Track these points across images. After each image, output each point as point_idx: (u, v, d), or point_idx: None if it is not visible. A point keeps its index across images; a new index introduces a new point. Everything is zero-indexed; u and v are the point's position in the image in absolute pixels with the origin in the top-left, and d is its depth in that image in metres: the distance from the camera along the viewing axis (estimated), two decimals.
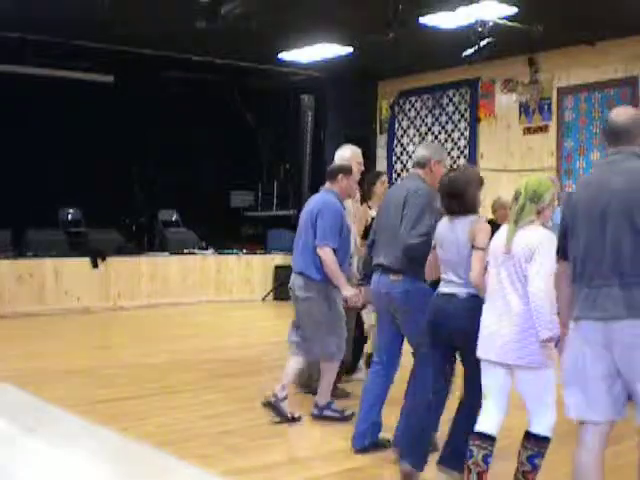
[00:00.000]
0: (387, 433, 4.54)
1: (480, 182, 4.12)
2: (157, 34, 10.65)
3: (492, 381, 3.65)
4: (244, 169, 14.68)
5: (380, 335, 4.73)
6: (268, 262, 12.97)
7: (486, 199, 12.49)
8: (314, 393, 5.46)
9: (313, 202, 5.32)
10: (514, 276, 3.53)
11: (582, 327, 3.16)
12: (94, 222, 12.37)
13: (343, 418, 5.17)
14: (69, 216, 12.94)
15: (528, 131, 12.04)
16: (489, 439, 3.61)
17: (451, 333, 3.90)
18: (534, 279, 3.43)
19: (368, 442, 4.54)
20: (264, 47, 11.25)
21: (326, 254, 5.04)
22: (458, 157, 13.07)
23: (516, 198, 3.64)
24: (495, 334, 3.56)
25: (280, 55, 11.82)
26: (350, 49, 11.27)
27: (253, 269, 12.86)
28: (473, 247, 3.83)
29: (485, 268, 3.78)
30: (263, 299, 12.74)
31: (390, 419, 4.52)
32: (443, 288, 3.99)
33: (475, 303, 3.81)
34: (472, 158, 12.77)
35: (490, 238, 3.81)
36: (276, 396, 5.17)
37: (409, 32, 8.90)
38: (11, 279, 10.42)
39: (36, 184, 11.85)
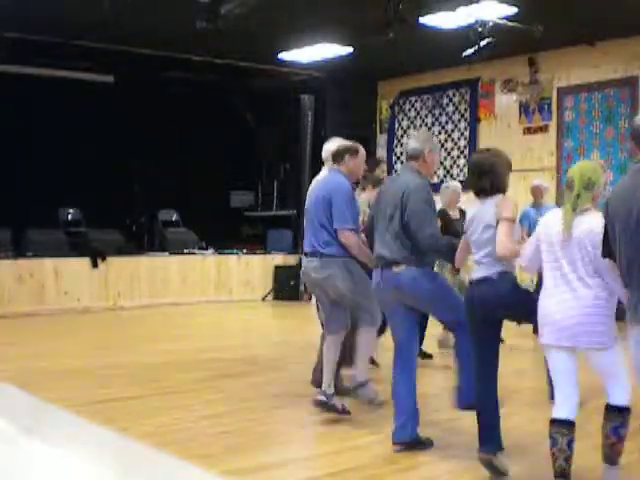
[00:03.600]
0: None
1: (509, 166, 4.24)
2: (157, 34, 10.65)
3: (561, 366, 3.71)
4: (244, 169, 14.68)
5: (395, 332, 4.71)
6: (268, 262, 12.97)
7: None
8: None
9: (323, 183, 5.32)
10: (578, 261, 3.58)
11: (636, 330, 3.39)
12: (94, 222, 12.37)
13: (372, 402, 5.13)
14: (69, 216, 12.94)
15: (528, 131, 12.05)
16: (569, 424, 3.66)
17: (493, 315, 4.01)
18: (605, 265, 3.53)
19: (409, 437, 4.47)
20: (264, 47, 11.25)
21: (348, 238, 5.03)
22: (458, 157, 13.07)
23: (569, 186, 3.70)
24: (562, 320, 3.61)
25: (280, 55, 11.82)
26: (350, 49, 11.27)
27: (253, 269, 12.86)
28: (499, 220, 3.92)
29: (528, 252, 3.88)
30: (263, 299, 12.75)
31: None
32: (475, 273, 4.10)
33: (507, 279, 3.96)
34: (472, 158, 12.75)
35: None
36: (325, 394, 5.11)
37: (409, 32, 8.90)
38: (11, 279, 10.43)
39: (36, 184, 11.85)
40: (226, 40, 10.28)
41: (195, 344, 8.42)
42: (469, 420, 4.26)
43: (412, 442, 4.47)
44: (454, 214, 7.66)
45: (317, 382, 5.64)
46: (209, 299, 12.17)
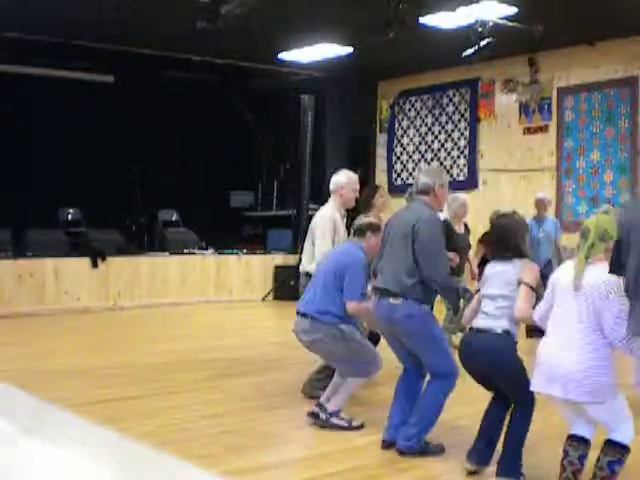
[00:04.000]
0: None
1: (526, 227, 4.31)
2: (157, 34, 10.66)
3: (566, 412, 3.74)
4: (244, 169, 14.68)
5: (396, 352, 4.73)
6: (268, 262, 12.97)
7: (486, 199, 12.52)
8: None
9: (342, 253, 5.19)
10: (584, 311, 3.56)
11: None
12: (94, 222, 12.37)
13: (351, 428, 5.00)
14: (69, 216, 12.94)
15: (528, 131, 12.05)
16: (584, 442, 3.68)
17: (486, 368, 4.02)
18: (619, 328, 3.48)
19: (416, 444, 4.45)
20: (264, 47, 11.25)
21: (353, 307, 4.96)
22: (458, 157, 13.07)
23: (584, 235, 3.71)
24: (554, 370, 3.59)
25: (280, 55, 11.82)
26: (350, 49, 11.27)
27: (253, 269, 12.85)
28: (520, 283, 3.95)
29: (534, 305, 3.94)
30: (263, 299, 12.74)
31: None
32: (478, 322, 4.10)
33: (509, 338, 3.98)
34: (472, 158, 12.77)
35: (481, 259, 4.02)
36: (325, 411, 5.05)
37: (409, 32, 8.90)
38: (11, 279, 10.42)
39: (36, 184, 11.85)
40: (226, 40, 10.28)
41: (195, 344, 8.42)
42: (469, 420, 4.26)
43: (419, 450, 4.48)
44: (459, 228, 7.57)
45: (307, 395, 5.69)
46: (209, 299, 12.16)
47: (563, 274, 3.77)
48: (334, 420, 5.02)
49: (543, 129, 11.85)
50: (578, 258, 3.68)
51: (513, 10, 8.97)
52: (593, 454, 3.68)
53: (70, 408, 4.78)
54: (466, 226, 7.76)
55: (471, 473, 4.09)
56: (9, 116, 11.80)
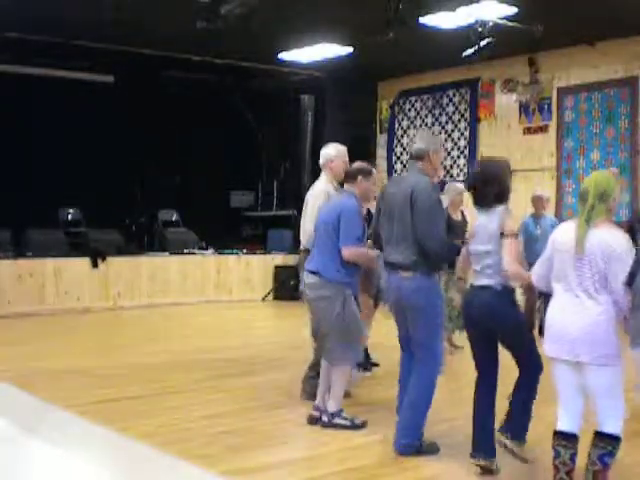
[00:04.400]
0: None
1: (510, 173, 4.24)
2: (157, 34, 10.66)
3: (564, 379, 3.66)
4: (244, 169, 14.68)
5: (400, 329, 4.74)
6: (268, 262, 12.97)
7: None
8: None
9: (333, 204, 5.25)
10: (587, 276, 3.51)
11: None
12: (94, 222, 12.36)
13: (354, 427, 4.99)
14: (69, 216, 12.94)
15: (528, 131, 12.05)
16: (572, 438, 3.64)
17: (489, 326, 4.00)
18: (618, 282, 3.46)
19: (415, 444, 4.46)
20: (264, 47, 11.25)
21: (348, 253, 4.97)
22: (458, 157, 13.07)
23: (583, 197, 3.62)
24: (564, 333, 3.56)
25: (280, 55, 11.82)
26: (350, 49, 11.27)
27: (253, 269, 12.85)
28: (502, 235, 3.93)
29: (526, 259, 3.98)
30: (263, 299, 12.74)
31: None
32: (476, 280, 4.09)
33: (509, 294, 3.97)
34: (472, 158, 12.77)
35: None
36: (326, 413, 5.06)
37: (409, 32, 8.90)
38: (11, 279, 10.42)
39: (36, 184, 11.85)
40: (226, 40, 10.28)
41: (195, 344, 8.42)
42: (469, 420, 4.25)
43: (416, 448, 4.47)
44: (456, 216, 7.61)
45: (307, 394, 5.68)
46: (209, 299, 12.16)
47: (562, 235, 3.70)
48: (337, 420, 5.02)
49: (543, 129, 11.85)
50: (579, 222, 3.59)
51: (513, 10, 8.97)
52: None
53: (70, 408, 4.80)
54: (463, 215, 7.76)
55: (483, 469, 4.05)
56: (9, 116, 11.81)
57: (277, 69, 12.98)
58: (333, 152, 5.88)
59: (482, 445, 4.07)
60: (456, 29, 9.44)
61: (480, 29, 9.00)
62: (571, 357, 3.54)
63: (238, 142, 14.51)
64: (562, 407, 3.71)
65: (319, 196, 5.73)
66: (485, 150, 12.64)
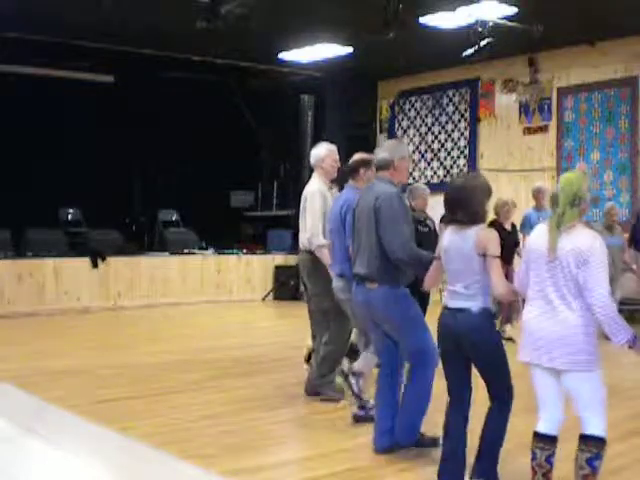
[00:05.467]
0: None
1: (488, 191, 3.94)
2: (157, 34, 10.66)
3: (543, 385, 3.59)
4: (244, 169, 14.68)
5: (374, 339, 4.72)
6: (268, 262, 12.97)
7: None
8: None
9: (342, 201, 5.30)
10: (561, 281, 3.45)
11: None
12: (94, 222, 12.38)
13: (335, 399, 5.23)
14: (69, 216, 12.95)
15: (528, 131, 12.05)
16: (550, 439, 3.58)
17: (465, 348, 3.83)
18: (595, 286, 3.35)
19: (413, 435, 4.46)
20: (264, 47, 11.25)
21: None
22: (458, 157, 13.07)
23: (555, 201, 3.54)
24: (541, 339, 3.50)
25: (280, 55, 11.82)
26: (350, 49, 11.27)
27: (253, 269, 12.86)
28: (485, 256, 3.72)
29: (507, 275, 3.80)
30: (263, 299, 12.74)
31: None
32: (451, 301, 3.88)
33: (488, 316, 3.80)
34: (472, 158, 12.77)
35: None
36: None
37: (409, 32, 8.90)
38: (11, 279, 10.42)
39: (36, 184, 11.86)
40: (226, 40, 10.28)
41: (195, 344, 8.42)
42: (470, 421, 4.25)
43: (394, 447, 4.46)
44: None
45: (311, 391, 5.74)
46: (209, 299, 12.16)
47: (535, 240, 3.62)
48: (351, 380, 5.14)
49: (543, 129, 11.85)
50: (550, 227, 3.51)
51: (513, 10, 8.97)
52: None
53: (70, 408, 4.79)
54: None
55: None
56: (9, 116, 11.81)
57: (277, 69, 12.98)
58: (323, 152, 5.89)
59: (451, 474, 3.89)
60: (456, 29, 9.44)
61: (480, 29, 9.00)
62: (547, 363, 3.49)
63: (238, 142, 14.50)
64: (541, 409, 3.64)
65: (314, 197, 5.75)
66: (485, 150, 12.64)
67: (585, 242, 3.42)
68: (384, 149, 4.69)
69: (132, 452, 1.59)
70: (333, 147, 5.96)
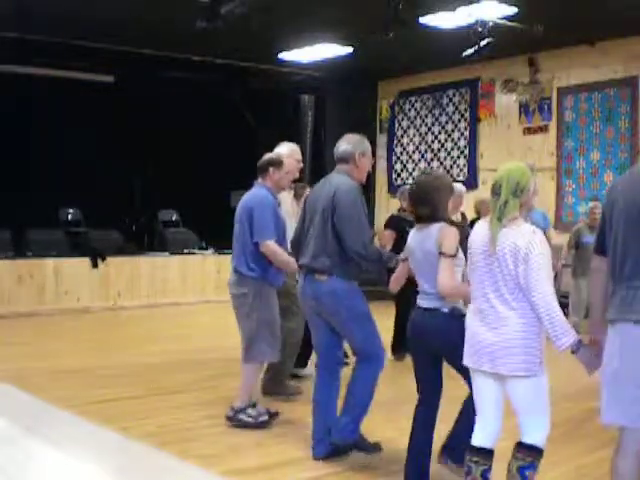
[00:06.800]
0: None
1: (450, 189, 3.93)
2: (157, 34, 10.65)
3: (483, 391, 3.43)
4: (244, 169, 14.62)
5: (316, 340, 4.59)
6: None
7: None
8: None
9: (247, 198, 5.32)
10: (499, 278, 3.26)
11: (618, 329, 2.99)
12: (94, 222, 12.37)
13: (257, 425, 5.03)
14: (69, 216, 12.94)
15: (528, 131, 12.05)
16: (487, 453, 3.42)
17: (436, 348, 3.78)
18: (537, 284, 3.15)
19: (351, 435, 4.39)
20: (264, 47, 11.25)
21: (268, 247, 5.05)
22: (458, 157, 13.07)
23: (496, 192, 3.33)
24: (482, 342, 3.31)
25: (280, 55, 11.82)
26: (350, 49, 11.27)
27: None
28: (440, 254, 3.68)
29: (463, 275, 3.71)
30: None
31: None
32: (422, 301, 3.83)
33: (458, 316, 3.68)
34: (472, 158, 12.78)
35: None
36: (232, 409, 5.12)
37: (409, 32, 8.90)
38: (11, 279, 10.42)
39: (36, 184, 11.85)
40: (226, 40, 10.27)
41: (195, 344, 8.42)
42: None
43: (334, 452, 4.41)
44: (456, 218, 7.57)
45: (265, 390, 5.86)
46: (209, 299, 12.15)
47: (474, 237, 3.43)
48: (241, 416, 5.06)
49: (543, 129, 11.85)
50: (491, 220, 3.31)
51: (513, 10, 8.96)
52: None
53: (70, 408, 4.78)
54: (463, 215, 7.75)
55: None
56: (9, 116, 11.80)
57: (277, 69, 12.98)
58: (285, 151, 5.90)
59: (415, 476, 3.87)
60: (456, 29, 9.43)
61: (480, 29, 8.99)
62: (489, 368, 3.30)
63: (238, 142, 14.49)
64: (478, 420, 3.48)
65: (285, 199, 5.87)
66: (485, 150, 12.65)
67: (523, 238, 3.21)
68: (346, 141, 4.58)
69: (132, 452, 1.59)
70: (295, 147, 6.01)
